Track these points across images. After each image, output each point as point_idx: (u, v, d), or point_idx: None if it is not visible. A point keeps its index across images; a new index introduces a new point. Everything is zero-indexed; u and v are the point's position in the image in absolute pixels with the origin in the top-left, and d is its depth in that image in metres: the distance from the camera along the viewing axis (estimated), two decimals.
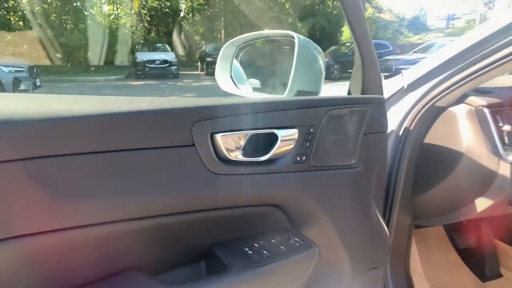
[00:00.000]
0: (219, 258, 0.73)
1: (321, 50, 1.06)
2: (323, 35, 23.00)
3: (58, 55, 13.62)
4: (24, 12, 14.25)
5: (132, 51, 14.90)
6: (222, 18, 22.26)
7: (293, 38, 0.99)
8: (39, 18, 13.82)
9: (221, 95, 1.04)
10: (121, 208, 0.60)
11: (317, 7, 24.79)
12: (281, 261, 0.75)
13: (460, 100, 1.15)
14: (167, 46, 15.65)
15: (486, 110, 1.11)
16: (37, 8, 14.26)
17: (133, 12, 17.59)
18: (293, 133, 0.74)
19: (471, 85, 1.05)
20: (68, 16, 14.99)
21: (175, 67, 14.11)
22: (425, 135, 1.20)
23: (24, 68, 7.71)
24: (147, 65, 13.52)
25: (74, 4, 15.73)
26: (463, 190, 1.18)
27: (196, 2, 21.82)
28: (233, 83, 1.17)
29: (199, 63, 18.50)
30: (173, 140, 0.62)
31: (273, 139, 0.72)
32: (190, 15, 21.75)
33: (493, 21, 0.99)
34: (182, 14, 21.78)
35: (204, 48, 17.84)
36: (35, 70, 8.09)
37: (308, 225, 0.86)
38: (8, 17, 14.45)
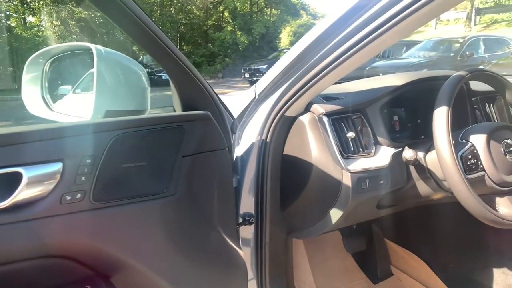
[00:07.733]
0: None
1: (137, 62, 0.89)
2: (263, 42, 23.41)
3: None
4: None
5: None
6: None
7: (91, 50, 0.80)
8: None
9: None
10: None
11: (255, 15, 25.28)
12: None
13: (307, 108, 1.07)
14: None
15: (325, 119, 1.04)
16: None
17: (59, 23, 16.43)
18: (54, 169, 0.62)
19: (311, 93, 0.97)
20: None
21: None
22: (283, 146, 1.11)
23: None
24: None
25: None
26: (318, 201, 1.12)
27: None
28: (45, 104, 0.95)
29: None
30: None
31: (18, 180, 0.60)
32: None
33: (321, 24, 0.91)
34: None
35: None
36: None
37: (115, 272, 0.76)
38: None
